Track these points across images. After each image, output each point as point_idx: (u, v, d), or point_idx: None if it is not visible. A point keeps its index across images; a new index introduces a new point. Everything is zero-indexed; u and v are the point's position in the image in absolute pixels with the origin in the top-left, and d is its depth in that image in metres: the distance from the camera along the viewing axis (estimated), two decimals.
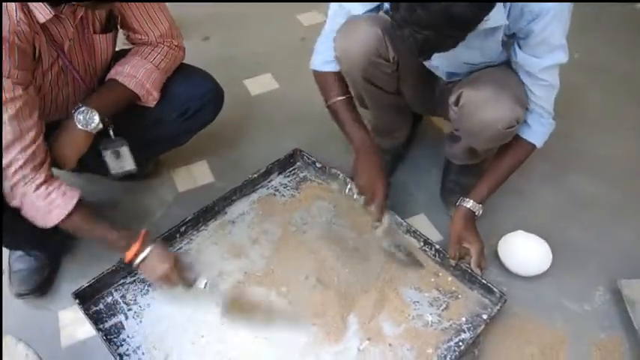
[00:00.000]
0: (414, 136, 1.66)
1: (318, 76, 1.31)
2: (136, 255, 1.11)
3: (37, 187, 1.05)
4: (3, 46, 0.94)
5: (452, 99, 1.22)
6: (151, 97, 1.24)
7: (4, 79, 0.96)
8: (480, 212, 1.27)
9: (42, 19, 1.00)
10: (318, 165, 1.53)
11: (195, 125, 1.37)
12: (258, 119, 1.77)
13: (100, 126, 1.16)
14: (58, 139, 1.14)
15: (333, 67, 1.28)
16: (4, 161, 1.01)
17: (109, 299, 1.27)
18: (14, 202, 1.06)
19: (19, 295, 1.27)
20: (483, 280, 1.23)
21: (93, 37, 1.15)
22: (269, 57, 2.03)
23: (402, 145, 1.59)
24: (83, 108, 1.14)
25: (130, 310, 1.25)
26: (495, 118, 1.13)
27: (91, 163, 1.27)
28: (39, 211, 1.06)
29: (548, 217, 1.44)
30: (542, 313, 1.25)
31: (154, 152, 1.49)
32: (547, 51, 1.09)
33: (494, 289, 1.21)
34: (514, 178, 1.38)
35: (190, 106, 1.29)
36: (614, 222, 1.44)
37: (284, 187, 1.53)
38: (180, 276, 1.16)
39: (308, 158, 1.54)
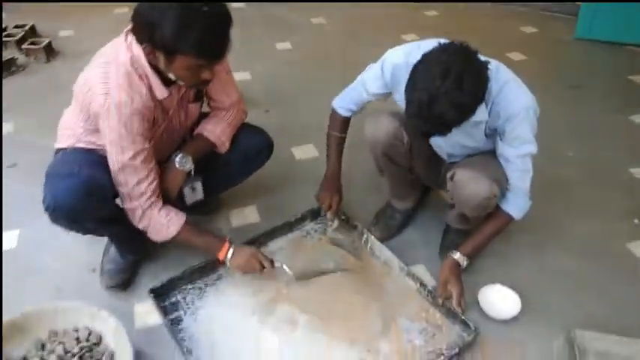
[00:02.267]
0: (423, 202, 2.06)
1: (334, 112, 1.80)
2: (226, 253, 1.57)
3: (159, 210, 1.52)
4: (138, 116, 1.40)
5: (449, 175, 1.62)
6: (224, 147, 1.69)
7: (137, 136, 1.42)
8: (465, 264, 1.63)
9: (160, 97, 1.45)
10: (343, 217, 1.93)
11: (252, 167, 1.83)
12: (299, 178, 2.21)
13: (192, 167, 1.62)
14: (163, 177, 1.58)
15: (345, 113, 1.77)
16: (138, 192, 1.46)
17: (173, 299, 1.66)
18: (143, 223, 1.52)
19: (108, 288, 1.69)
20: (462, 317, 1.57)
21: (188, 105, 1.62)
22: (313, 130, 2.49)
23: (412, 208, 1.98)
24: (181, 154, 1.61)
25: (188, 308, 1.63)
26: (476, 192, 1.52)
27: None
28: (162, 226, 1.52)
29: (522, 277, 1.75)
30: (509, 351, 1.55)
31: (219, 189, 1.91)
32: (520, 143, 1.49)
33: (469, 323, 1.54)
34: (498, 244, 1.78)
35: (249, 151, 1.75)
36: (579, 287, 1.75)
37: (314, 232, 1.93)
38: (261, 261, 1.61)
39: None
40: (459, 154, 1.68)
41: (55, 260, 1.83)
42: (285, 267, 1.68)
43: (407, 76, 1.32)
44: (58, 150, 1.59)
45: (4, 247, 1.87)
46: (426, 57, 1.28)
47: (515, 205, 1.60)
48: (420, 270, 1.79)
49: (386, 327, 1.59)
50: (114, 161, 1.43)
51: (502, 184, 1.55)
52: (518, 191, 1.58)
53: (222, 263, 1.64)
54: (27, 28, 3.24)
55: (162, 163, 1.61)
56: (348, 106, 1.76)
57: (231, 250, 1.60)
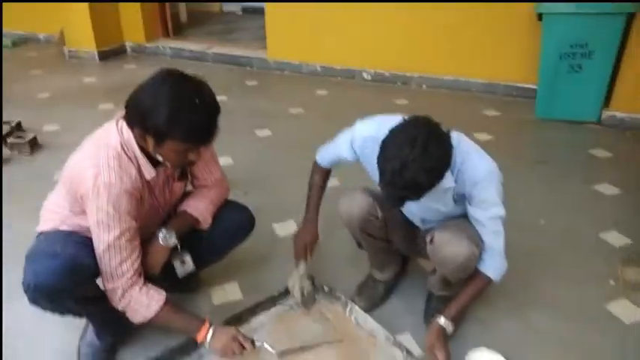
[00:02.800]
0: (404, 271, 2.08)
1: (315, 163, 1.90)
2: (205, 335, 1.53)
3: (140, 289, 1.51)
4: (126, 196, 1.44)
5: (427, 239, 1.67)
6: (206, 223, 1.73)
7: (125, 215, 1.45)
8: (451, 329, 1.63)
9: (148, 178, 1.52)
10: (326, 289, 1.93)
11: (234, 242, 1.84)
12: (281, 254, 2.21)
13: (176, 243, 1.64)
14: (146, 253, 1.60)
15: (326, 165, 1.88)
16: (121, 271, 1.47)
17: None
18: (123, 303, 1.50)
19: None
20: None
21: (173, 184, 1.68)
22: (294, 208, 2.55)
23: (394, 277, 1.99)
24: (165, 230, 1.63)
25: None
26: (457, 252, 1.57)
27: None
28: (142, 305, 1.50)
29: (506, 341, 1.74)
30: None
31: (201, 264, 1.89)
32: (488, 206, 1.57)
33: None
34: (480, 311, 1.82)
35: (231, 227, 1.79)
36: (564, 347, 1.75)
37: (297, 306, 1.91)
38: (241, 343, 1.56)
39: (321, 286, 1.95)
40: (432, 219, 1.75)
41: (29, 345, 1.76)
42: (266, 345, 1.64)
43: (376, 149, 1.41)
44: (41, 233, 1.60)
45: None
46: (394, 130, 1.40)
47: (493, 267, 1.64)
48: (407, 339, 1.77)
49: None
50: (100, 241, 1.45)
51: (479, 245, 1.60)
52: (493, 253, 1.62)
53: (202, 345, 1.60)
54: (13, 124, 3.34)
55: (145, 239, 1.62)
56: (329, 159, 1.87)
57: (210, 332, 1.57)
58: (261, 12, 5.06)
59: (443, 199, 1.62)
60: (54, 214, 1.58)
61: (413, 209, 1.75)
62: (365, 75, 4.57)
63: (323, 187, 1.91)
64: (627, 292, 2.00)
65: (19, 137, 3.19)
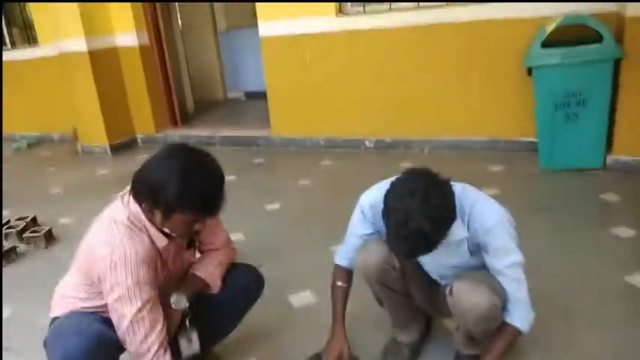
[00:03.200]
0: (429, 334, 2.01)
1: (336, 267, 1.84)
2: None
3: None
4: (144, 266, 1.46)
5: (447, 290, 1.64)
6: (216, 285, 1.72)
7: (144, 285, 1.45)
8: None
9: (160, 246, 1.55)
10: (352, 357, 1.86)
11: (244, 304, 1.82)
12: (299, 325, 2.17)
13: (187, 305, 1.62)
14: None
15: (345, 264, 1.82)
16: (146, 347, 1.45)
17: None
18: None
19: None
20: None
21: (183, 252, 1.70)
22: (309, 277, 2.53)
23: (418, 340, 1.93)
24: (175, 294, 1.63)
25: None
26: (478, 301, 1.52)
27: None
28: None
29: None
30: None
31: (215, 337, 1.86)
32: (504, 254, 1.55)
33: None
34: None
35: (241, 288, 1.77)
36: None
37: None
38: None
39: None
40: (450, 274, 1.72)
41: None
42: None
43: None
44: (54, 319, 1.60)
45: None
46: (394, 183, 1.44)
47: (519, 317, 1.59)
48: None
49: None
50: (122, 317, 1.44)
51: (500, 295, 1.56)
52: (518, 302, 1.58)
53: None
54: (29, 219, 3.42)
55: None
56: (347, 255, 1.83)
57: None
58: (262, 96, 5.30)
59: (458, 252, 1.61)
60: (69, 298, 1.59)
61: (430, 267, 1.73)
62: (367, 143, 4.68)
63: (347, 290, 1.84)
64: None
65: (34, 232, 3.25)
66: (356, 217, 1.78)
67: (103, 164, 5.13)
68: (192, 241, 1.74)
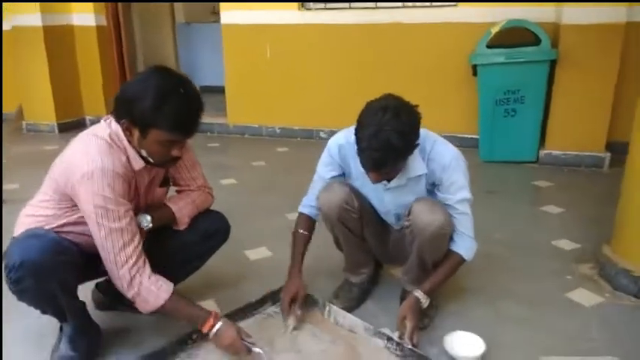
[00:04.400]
0: (377, 279, 2.15)
1: (299, 215, 1.93)
2: (212, 327, 1.53)
3: (149, 277, 1.51)
4: (119, 179, 1.49)
5: (406, 213, 1.76)
6: (183, 221, 1.75)
7: (121, 197, 1.49)
8: (425, 302, 1.72)
9: (136, 168, 1.57)
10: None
11: (210, 247, 1.87)
12: (255, 276, 2.25)
13: (150, 225, 1.66)
14: None
15: (307, 211, 1.92)
16: (124, 257, 1.47)
17: None
18: (132, 291, 1.49)
19: None
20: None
21: (156, 189, 1.74)
22: (265, 237, 2.62)
23: (368, 281, 2.06)
24: (140, 214, 1.66)
25: None
26: (434, 218, 1.67)
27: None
28: (151, 294, 1.50)
29: (480, 327, 1.79)
30: None
31: (179, 274, 1.87)
32: (456, 189, 1.72)
33: None
34: (454, 305, 1.95)
35: (208, 230, 1.82)
36: (533, 328, 1.85)
37: (276, 314, 1.93)
38: (242, 344, 1.55)
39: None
40: (405, 213, 1.86)
41: None
42: (262, 353, 1.62)
43: (352, 152, 1.58)
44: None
45: None
46: (367, 104, 1.58)
47: (464, 247, 1.76)
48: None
49: None
50: (99, 227, 1.46)
51: (451, 222, 1.72)
52: (463, 234, 1.75)
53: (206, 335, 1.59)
54: None
55: None
56: (310, 203, 1.92)
57: (217, 326, 1.56)
58: (218, 91, 5.35)
59: (416, 189, 1.76)
60: (34, 217, 1.58)
61: (388, 204, 1.86)
62: (322, 134, 4.84)
63: (307, 238, 1.92)
64: (584, 283, 2.15)
65: None
66: (323, 160, 1.90)
67: (50, 141, 4.98)
68: (166, 180, 1.78)
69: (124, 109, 1.48)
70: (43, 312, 1.57)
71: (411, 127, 1.54)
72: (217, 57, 5.17)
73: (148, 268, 1.52)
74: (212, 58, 6.61)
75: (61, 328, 1.67)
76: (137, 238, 1.52)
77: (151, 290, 1.50)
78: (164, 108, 1.43)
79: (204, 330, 1.56)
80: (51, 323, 1.75)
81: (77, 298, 1.56)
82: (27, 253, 1.37)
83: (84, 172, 1.44)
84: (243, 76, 4.97)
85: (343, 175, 1.90)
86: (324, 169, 1.90)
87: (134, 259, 1.49)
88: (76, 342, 1.62)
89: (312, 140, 4.86)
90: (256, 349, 1.61)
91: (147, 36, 6.82)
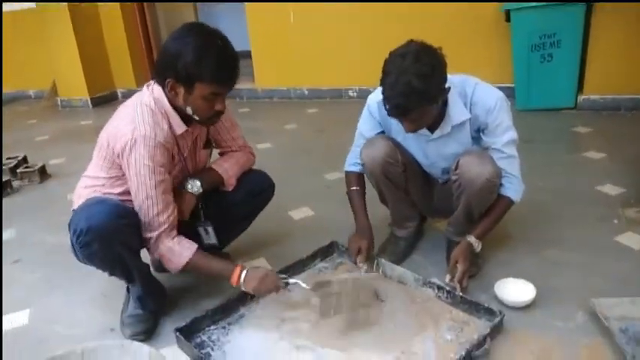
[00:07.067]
0: (422, 233, 2.18)
1: (346, 174, 1.96)
2: (239, 277, 1.60)
3: (174, 238, 1.60)
4: (161, 148, 1.56)
5: (452, 167, 1.76)
6: (230, 182, 1.82)
7: (160, 167, 1.56)
8: (479, 247, 1.75)
9: (178, 132, 1.62)
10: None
11: (258, 205, 1.95)
12: (300, 234, 2.31)
13: (201, 190, 1.73)
14: (174, 201, 1.66)
15: (355, 168, 1.93)
16: (158, 222, 1.56)
17: (198, 339, 1.63)
18: (160, 251, 1.58)
19: (130, 337, 1.66)
20: (485, 305, 1.62)
21: (200, 151, 1.80)
22: (306, 197, 2.67)
23: (413, 235, 2.09)
24: (190, 179, 1.73)
25: (215, 345, 1.61)
26: (481, 172, 1.67)
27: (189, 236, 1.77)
28: (174, 253, 1.59)
29: (529, 273, 1.81)
30: (536, 331, 1.59)
31: (229, 233, 1.98)
32: (502, 131, 1.71)
33: (494, 309, 1.59)
34: (502, 253, 1.96)
35: (254, 188, 1.89)
36: (581, 272, 1.86)
37: (325, 269, 1.99)
38: (274, 278, 1.63)
39: (342, 247, 2.04)
40: (451, 166, 1.85)
41: (68, 329, 1.79)
42: (300, 282, 1.71)
43: None
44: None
45: (15, 325, 1.83)
46: (390, 53, 1.57)
47: (512, 189, 1.76)
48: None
49: (415, 330, 1.61)
50: (139, 190, 1.55)
51: (499, 169, 1.72)
52: (511, 177, 1.75)
53: (237, 286, 1.65)
54: (20, 158, 3.42)
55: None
56: (356, 161, 1.93)
57: (244, 273, 1.62)
58: (244, 56, 5.31)
59: (460, 138, 1.75)
60: (90, 188, 1.66)
61: (432, 156, 1.86)
62: (351, 93, 4.81)
63: (362, 191, 1.94)
64: (632, 227, 2.13)
65: (28, 167, 3.27)
66: (363, 118, 1.91)
67: (85, 116, 5.11)
68: (209, 142, 1.83)
69: (168, 68, 1.50)
70: (111, 274, 1.66)
71: (433, 69, 1.52)
72: (239, 21, 5.12)
73: (174, 232, 1.61)
74: (234, 22, 6.56)
75: (128, 290, 1.77)
76: (170, 209, 1.60)
77: (175, 250, 1.59)
78: (205, 60, 1.46)
79: (233, 282, 1.63)
80: (113, 285, 1.87)
81: (141, 259, 1.65)
82: (93, 218, 1.45)
83: (127, 140, 1.51)
84: (268, 41, 4.95)
85: (383, 133, 1.90)
86: (365, 128, 1.91)
87: (166, 226, 1.58)
88: (143, 301, 1.72)
89: (342, 100, 4.84)
90: (292, 280, 1.68)
91: (168, 5, 6.79)
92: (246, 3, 4.88)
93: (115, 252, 1.53)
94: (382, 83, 1.56)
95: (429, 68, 1.50)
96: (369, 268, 1.90)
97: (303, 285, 1.71)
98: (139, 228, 1.58)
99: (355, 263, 1.90)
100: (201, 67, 1.46)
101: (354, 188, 1.93)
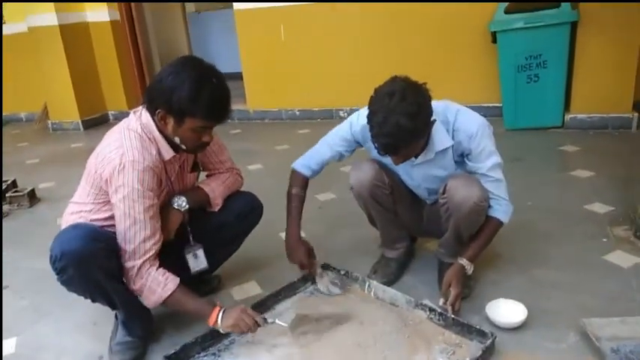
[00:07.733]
0: (412, 253, 2.18)
1: (294, 172, 1.97)
2: (216, 318, 1.57)
3: (157, 269, 1.58)
4: (150, 172, 1.57)
5: (440, 191, 1.78)
6: (216, 203, 1.83)
7: (149, 191, 1.56)
8: (471, 270, 1.76)
9: (166, 158, 1.64)
10: (342, 272, 2.01)
11: (246, 227, 1.94)
12: None
13: (187, 207, 1.73)
14: (161, 219, 1.65)
15: (305, 172, 1.94)
16: (144, 249, 1.54)
17: None
18: (141, 282, 1.55)
19: None
20: (476, 326, 1.62)
21: (187, 174, 1.81)
22: None
23: (404, 256, 2.09)
24: (176, 196, 1.74)
25: None
26: (469, 195, 1.68)
27: (176, 264, 1.76)
28: (159, 285, 1.56)
29: (518, 294, 1.82)
30: (528, 352, 1.58)
31: (218, 256, 1.96)
32: (486, 157, 1.73)
33: (486, 331, 1.59)
34: (491, 274, 1.97)
35: (242, 210, 1.90)
36: (570, 292, 1.86)
37: (317, 292, 1.99)
38: (249, 316, 1.59)
39: (334, 268, 2.04)
40: (436, 187, 1.88)
41: (57, 357, 1.76)
42: (278, 321, 1.67)
43: None
44: None
45: (3, 354, 1.80)
46: (375, 90, 1.60)
47: (501, 211, 1.77)
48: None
49: (407, 353, 1.61)
50: (125, 216, 1.54)
51: (486, 192, 1.74)
52: (499, 198, 1.77)
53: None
54: (9, 182, 3.40)
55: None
56: (310, 164, 1.95)
57: (220, 314, 1.58)
58: (235, 77, 5.35)
59: (444, 163, 1.78)
60: (76, 214, 1.66)
61: (417, 179, 1.88)
62: (342, 113, 4.85)
63: (303, 196, 1.96)
64: (620, 245, 2.15)
65: (17, 191, 3.25)
66: (340, 134, 1.91)
67: (76, 139, 5.10)
68: (196, 165, 1.84)
69: (161, 99, 1.52)
70: (93, 300, 1.65)
71: (419, 107, 1.54)
72: (230, 43, 5.19)
73: (157, 262, 1.59)
74: (225, 44, 6.63)
75: (116, 316, 1.75)
76: (158, 236, 1.59)
77: (159, 281, 1.56)
78: (200, 98, 1.49)
79: (210, 323, 1.59)
80: (101, 312, 1.85)
81: (123, 283, 1.62)
82: (66, 243, 1.46)
83: (115, 165, 1.52)
84: (260, 62, 4.99)
85: (353, 152, 1.94)
86: (338, 142, 1.91)
87: (152, 253, 1.56)
88: (129, 326, 1.70)
89: (333, 120, 4.87)
90: (270, 320, 1.65)
91: (159, 28, 6.85)
92: (237, 22, 4.93)
93: (93, 277, 1.52)
94: (369, 121, 1.57)
95: (415, 107, 1.52)
96: (322, 273, 1.96)
97: (282, 324, 1.67)
98: (116, 253, 1.56)
99: (312, 275, 1.94)
100: (195, 103, 1.49)
101: (296, 190, 1.94)
